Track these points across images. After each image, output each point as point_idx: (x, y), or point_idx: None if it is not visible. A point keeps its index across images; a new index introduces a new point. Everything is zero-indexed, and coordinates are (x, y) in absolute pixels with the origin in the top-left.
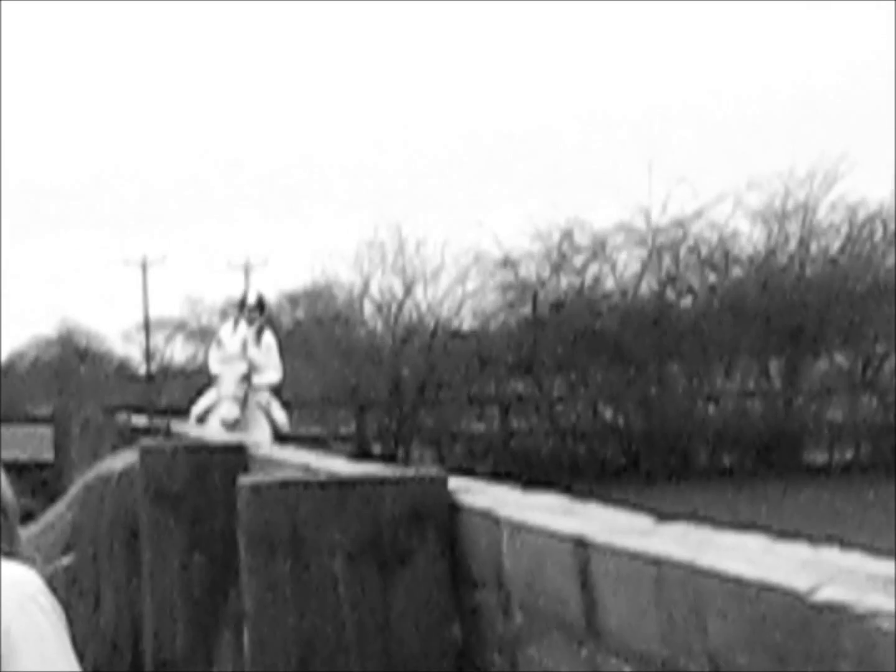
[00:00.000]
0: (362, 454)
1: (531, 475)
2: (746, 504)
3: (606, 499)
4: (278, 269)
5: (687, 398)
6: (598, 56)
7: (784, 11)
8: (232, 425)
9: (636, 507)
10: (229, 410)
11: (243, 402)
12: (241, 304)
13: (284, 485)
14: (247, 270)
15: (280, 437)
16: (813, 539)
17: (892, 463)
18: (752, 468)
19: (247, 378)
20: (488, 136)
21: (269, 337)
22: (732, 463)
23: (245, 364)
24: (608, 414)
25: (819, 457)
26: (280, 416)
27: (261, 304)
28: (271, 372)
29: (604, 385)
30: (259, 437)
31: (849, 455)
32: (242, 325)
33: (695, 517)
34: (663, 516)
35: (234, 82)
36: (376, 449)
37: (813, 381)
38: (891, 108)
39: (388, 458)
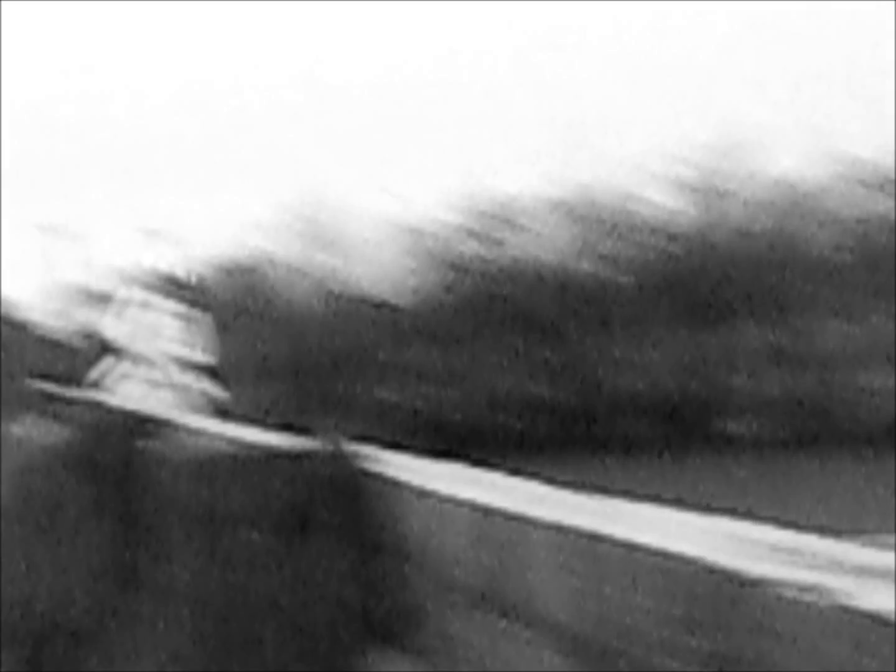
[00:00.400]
0: (277, 424)
1: (443, 444)
2: (656, 472)
3: (516, 468)
4: (210, 242)
5: (611, 370)
6: (514, 22)
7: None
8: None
9: (548, 476)
10: (160, 396)
11: (174, 383)
12: (171, 278)
13: (199, 456)
14: (164, 240)
15: (211, 409)
16: (717, 510)
17: (812, 434)
18: (676, 441)
19: (180, 362)
20: (407, 105)
21: (196, 310)
22: (650, 433)
23: (177, 346)
24: (523, 384)
25: (738, 428)
26: (209, 384)
27: (189, 283)
28: (199, 346)
29: (523, 356)
30: (189, 408)
31: (768, 427)
32: (171, 298)
33: (599, 488)
34: (565, 485)
35: (149, 56)
36: (290, 418)
37: (735, 353)
38: (811, 83)
39: (301, 427)
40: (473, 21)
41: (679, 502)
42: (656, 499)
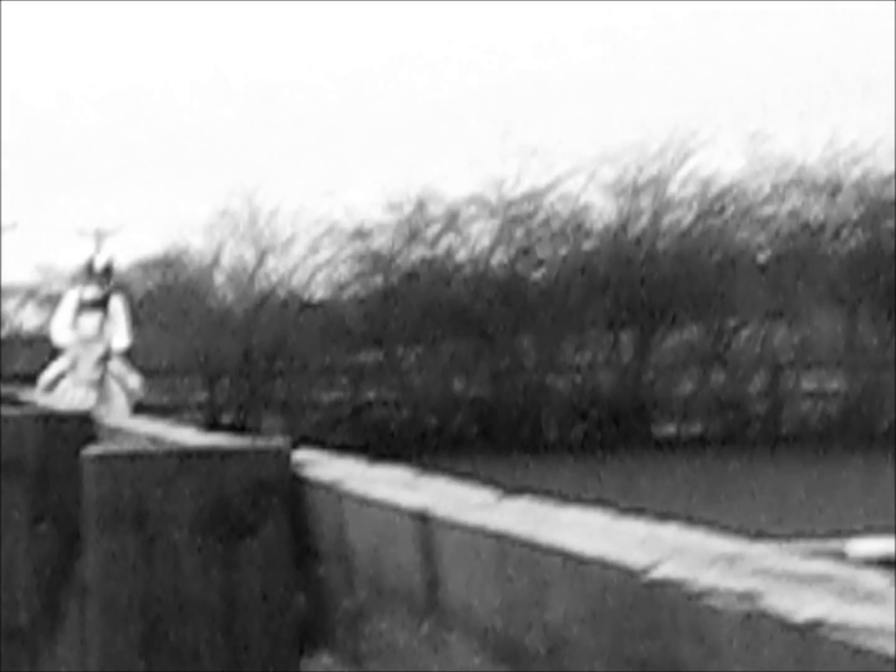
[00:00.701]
0: (213, 424)
1: (382, 446)
2: (596, 476)
3: (454, 472)
4: (131, 236)
5: (538, 370)
6: (450, 24)
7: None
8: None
9: (485, 479)
10: (85, 397)
11: (100, 383)
12: (89, 269)
13: (128, 456)
14: (99, 237)
15: (138, 406)
16: (656, 515)
17: (740, 437)
18: (602, 441)
19: (104, 360)
20: (340, 104)
21: (116, 302)
22: (583, 435)
23: (102, 346)
24: (459, 385)
25: (668, 430)
26: (134, 380)
27: (108, 270)
28: (117, 338)
29: (455, 356)
30: (115, 407)
31: (698, 429)
32: (90, 289)
33: (538, 492)
34: (508, 490)
35: (78, 49)
36: (227, 418)
37: (663, 354)
38: (740, 84)
39: (238, 427)
40: (417, 26)
41: (619, 509)
42: (597, 504)
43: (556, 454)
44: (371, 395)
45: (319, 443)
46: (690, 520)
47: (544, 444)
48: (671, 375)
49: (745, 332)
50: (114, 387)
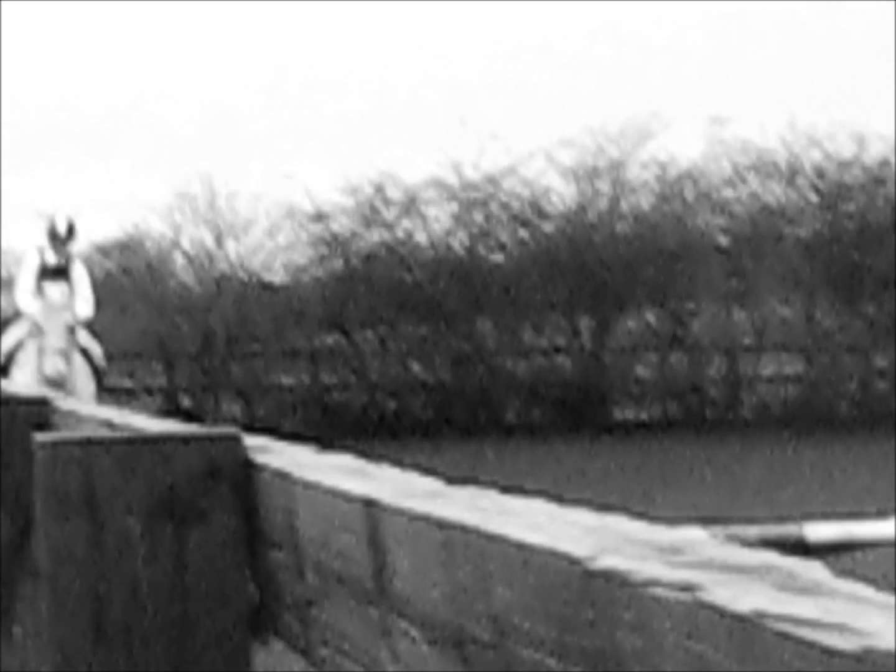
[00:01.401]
0: (172, 408)
1: (341, 430)
2: (555, 460)
3: (411, 455)
4: (90, 219)
5: (497, 354)
6: (409, 9)
7: None
8: (57, 381)
9: (443, 463)
10: (55, 366)
11: (68, 356)
12: (51, 232)
13: (79, 442)
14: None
15: (103, 387)
16: (609, 504)
17: (699, 420)
18: (561, 424)
19: (72, 330)
20: (299, 88)
21: (79, 269)
22: (542, 418)
23: (69, 314)
24: (418, 369)
25: (628, 413)
26: (96, 348)
27: (70, 230)
28: (81, 305)
29: (414, 340)
30: (85, 389)
31: (657, 412)
32: (52, 254)
33: (491, 477)
34: (456, 478)
35: (39, 30)
36: (186, 402)
37: (622, 337)
38: (700, 68)
39: (196, 412)
40: (376, 12)
41: (569, 499)
42: (547, 495)
43: (516, 438)
44: (330, 378)
45: (276, 427)
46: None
47: (503, 428)
48: (630, 359)
49: (703, 316)
50: (78, 360)
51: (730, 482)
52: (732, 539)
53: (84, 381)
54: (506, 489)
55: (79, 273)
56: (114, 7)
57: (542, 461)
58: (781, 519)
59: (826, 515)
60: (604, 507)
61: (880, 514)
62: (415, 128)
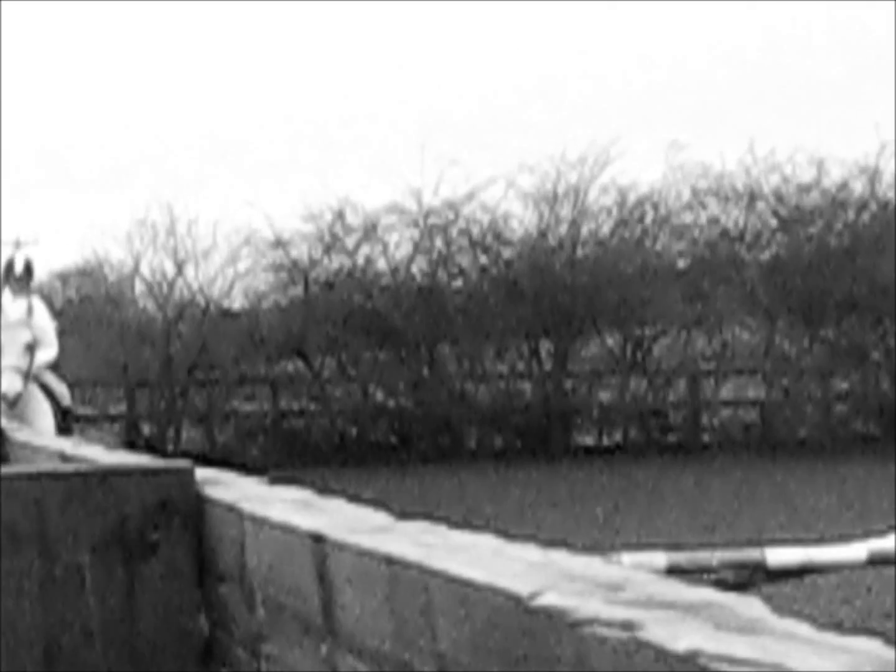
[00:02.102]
0: (131, 437)
1: (302, 457)
2: (517, 485)
3: (372, 482)
4: (49, 246)
5: (458, 379)
6: (367, 34)
7: (559, 4)
8: (13, 402)
9: (402, 489)
10: (11, 383)
11: (26, 376)
12: (7, 271)
13: (31, 476)
14: (17, 247)
15: (65, 417)
16: (552, 544)
17: (660, 445)
18: (522, 449)
19: (31, 348)
20: (256, 115)
21: (39, 307)
22: (503, 444)
23: (30, 332)
24: (379, 395)
25: (589, 438)
26: (62, 389)
27: (29, 271)
28: (47, 348)
29: (374, 366)
30: (42, 425)
31: (618, 437)
32: (7, 293)
33: (435, 515)
34: (404, 514)
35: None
36: (147, 429)
37: (583, 362)
38: (658, 94)
39: (156, 440)
40: (334, 35)
41: (515, 534)
42: (490, 530)
43: (477, 463)
44: (291, 405)
45: (237, 454)
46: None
47: (465, 454)
48: (591, 384)
49: (664, 341)
50: (42, 401)
51: (691, 507)
52: (693, 564)
53: (42, 420)
54: (455, 524)
55: (40, 314)
56: (70, 31)
57: (503, 487)
58: (743, 543)
59: (787, 540)
60: (550, 541)
61: (841, 538)
62: (374, 154)
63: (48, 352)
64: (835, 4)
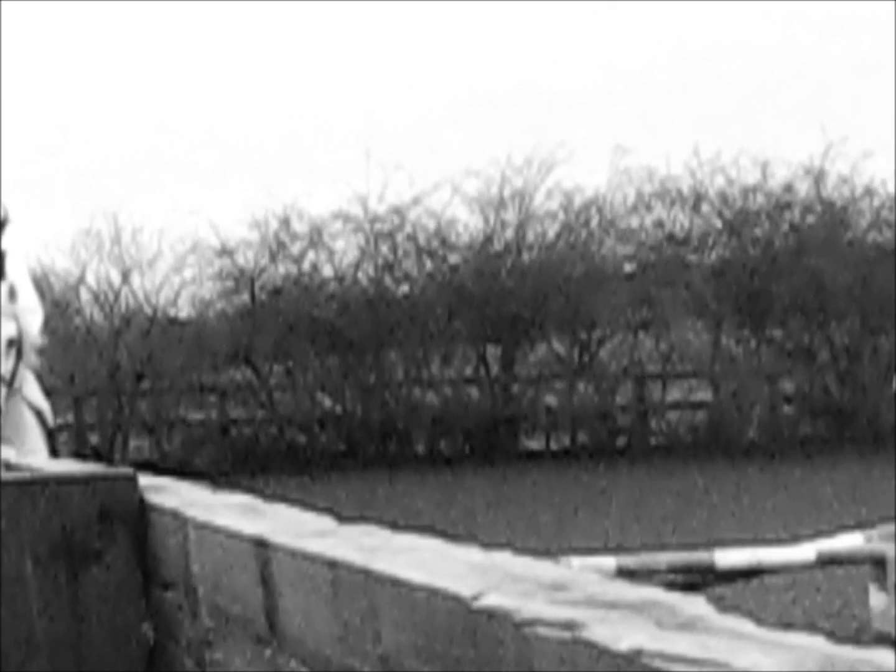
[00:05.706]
0: (80, 444)
1: (249, 464)
2: (465, 490)
3: (320, 488)
4: None
5: (405, 385)
6: (310, 40)
7: (502, 9)
8: None
9: (350, 494)
10: None
11: (10, 382)
12: None
13: None
14: None
15: (50, 437)
16: (494, 545)
17: (608, 448)
18: (470, 454)
19: (13, 344)
20: (200, 123)
21: (18, 265)
22: (451, 449)
23: (14, 324)
24: (326, 401)
25: (537, 442)
26: (47, 406)
27: (3, 220)
28: (30, 316)
29: (322, 372)
30: (33, 444)
31: (566, 441)
32: None
33: (376, 518)
34: (346, 518)
35: None
36: (94, 439)
37: (530, 367)
38: (605, 98)
39: (104, 449)
40: (281, 41)
41: (457, 537)
42: (433, 531)
43: (425, 468)
44: (238, 413)
45: (185, 462)
46: (558, 531)
47: (413, 459)
48: (538, 388)
49: (610, 344)
50: (28, 415)
51: (639, 509)
52: (642, 567)
53: (32, 438)
54: (396, 526)
55: (18, 272)
56: (21, 39)
57: (451, 491)
58: (691, 546)
59: (736, 542)
60: (498, 546)
61: (789, 539)
62: (319, 160)
63: (34, 321)
64: (776, 5)
